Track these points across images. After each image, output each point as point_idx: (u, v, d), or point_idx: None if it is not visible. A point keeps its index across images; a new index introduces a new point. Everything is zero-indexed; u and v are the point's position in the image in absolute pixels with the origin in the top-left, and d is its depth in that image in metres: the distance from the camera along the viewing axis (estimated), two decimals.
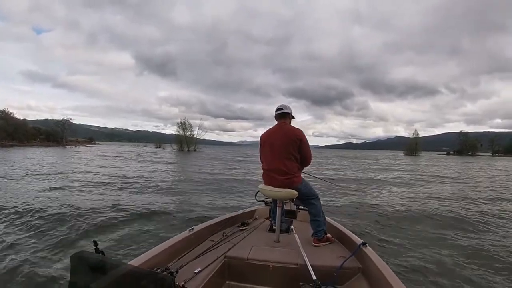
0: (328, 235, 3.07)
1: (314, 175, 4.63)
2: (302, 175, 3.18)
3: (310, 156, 3.10)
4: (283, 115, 3.15)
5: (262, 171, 3.17)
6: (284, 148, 2.97)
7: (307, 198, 3.11)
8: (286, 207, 3.87)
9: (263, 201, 4.26)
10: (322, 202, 3.25)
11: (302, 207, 4.03)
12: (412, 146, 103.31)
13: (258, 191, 3.55)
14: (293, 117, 3.25)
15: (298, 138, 2.96)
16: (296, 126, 3.13)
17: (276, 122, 3.18)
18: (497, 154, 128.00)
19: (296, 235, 2.89)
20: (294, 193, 2.96)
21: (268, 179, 3.06)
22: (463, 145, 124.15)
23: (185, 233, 2.88)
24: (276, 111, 3.17)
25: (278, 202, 3.05)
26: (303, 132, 3.05)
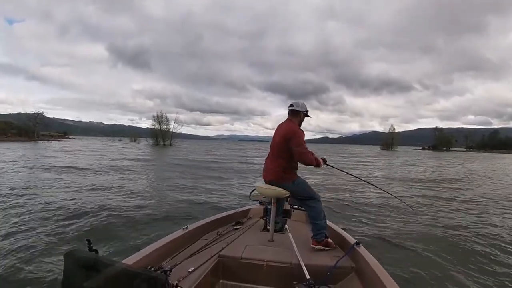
0: (329, 240, 2.95)
1: (344, 170, 4.41)
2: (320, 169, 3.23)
3: (297, 153, 2.93)
4: (292, 112, 3.14)
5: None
6: (278, 146, 3.01)
7: (302, 199, 3.08)
8: None
9: (257, 200, 4.25)
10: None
11: (297, 206, 4.03)
12: (388, 141, 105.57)
13: (253, 190, 3.59)
14: (307, 115, 3.21)
15: (289, 136, 2.94)
16: (293, 124, 3.09)
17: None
18: (470, 149, 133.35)
19: (290, 234, 2.91)
20: (283, 192, 2.98)
21: (263, 172, 3.15)
22: (438, 140, 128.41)
23: (179, 232, 2.86)
24: (288, 107, 3.17)
25: (272, 201, 3.05)
26: (300, 132, 2.99)
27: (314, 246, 2.90)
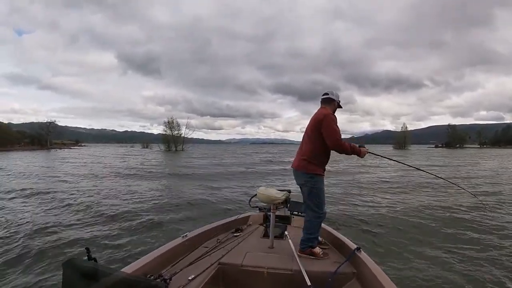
0: (316, 249, 2.83)
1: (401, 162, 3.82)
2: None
3: (330, 135, 2.77)
4: (324, 100, 3.08)
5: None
6: (308, 131, 2.96)
7: (306, 203, 2.93)
8: (280, 212, 3.85)
9: (257, 206, 4.22)
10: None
11: (296, 212, 3.97)
12: (401, 139, 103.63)
13: (253, 196, 3.56)
14: (340, 106, 3.14)
15: (320, 119, 2.81)
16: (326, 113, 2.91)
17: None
18: (484, 146, 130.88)
19: (290, 240, 2.91)
20: (278, 198, 2.94)
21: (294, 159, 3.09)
22: (451, 137, 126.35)
23: (179, 240, 2.84)
24: (322, 95, 3.13)
25: (272, 208, 3.03)
26: (332, 115, 2.89)
27: (299, 253, 2.81)
